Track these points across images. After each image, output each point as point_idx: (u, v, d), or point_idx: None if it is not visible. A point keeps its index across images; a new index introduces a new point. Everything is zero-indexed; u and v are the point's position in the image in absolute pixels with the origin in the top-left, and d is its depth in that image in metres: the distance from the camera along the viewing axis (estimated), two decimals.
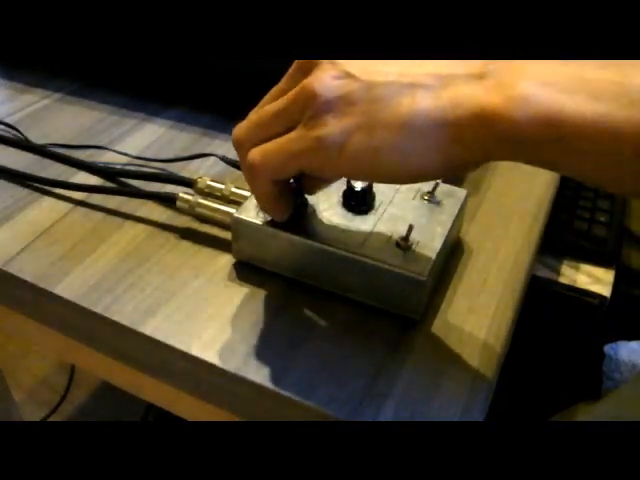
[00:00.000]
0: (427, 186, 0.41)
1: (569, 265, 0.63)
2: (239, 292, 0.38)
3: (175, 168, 0.49)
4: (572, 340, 0.62)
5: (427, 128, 0.29)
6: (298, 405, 0.32)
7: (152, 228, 0.43)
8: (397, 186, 0.41)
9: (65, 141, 0.51)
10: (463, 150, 0.29)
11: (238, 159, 0.35)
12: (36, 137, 0.51)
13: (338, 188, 0.39)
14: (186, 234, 0.43)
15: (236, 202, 0.42)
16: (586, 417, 0.48)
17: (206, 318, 0.37)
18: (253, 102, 0.35)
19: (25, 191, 0.46)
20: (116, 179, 0.47)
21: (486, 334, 0.36)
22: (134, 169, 0.48)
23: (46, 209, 0.44)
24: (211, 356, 0.34)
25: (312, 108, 0.30)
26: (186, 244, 0.42)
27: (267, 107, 0.33)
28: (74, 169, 0.48)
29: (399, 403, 0.32)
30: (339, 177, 0.35)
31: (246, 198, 0.40)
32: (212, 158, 0.49)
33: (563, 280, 0.61)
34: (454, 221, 0.39)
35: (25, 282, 0.39)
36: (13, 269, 0.39)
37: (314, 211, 0.39)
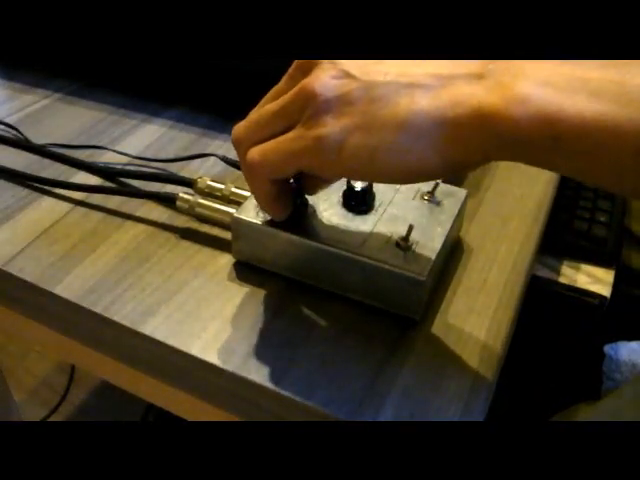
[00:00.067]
0: (427, 186, 0.41)
1: (569, 265, 0.63)
2: (239, 292, 0.38)
3: (175, 168, 0.49)
4: (572, 340, 0.62)
5: (426, 127, 0.29)
6: (298, 405, 0.32)
7: (152, 228, 0.43)
8: (397, 186, 0.41)
9: (65, 141, 0.51)
10: (462, 150, 0.29)
11: (238, 159, 0.35)
12: (36, 137, 0.51)
13: (338, 188, 0.39)
14: (186, 234, 0.43)
15: (236, 202, 0.42)
16: (586, 417, 0.48)
17: (206, 318, 0.37)
18: (253, 102, 0.35)
19: (25, 191, 0.46)
20: (116, 179, 0.47)
21: (486, 334, 0.36)
22: (134, 169, 0.48)
23: (46, 209, 0.44)
24: (211, 356, 0.34)
25: (311, 108, 0.31)
26: (186, 244, 0.42)
27: (267, 106, 0.33)
28: (74, 169, 0.48)
29: (399, 403, 0.32)
30: (338, 177, 0.35)
31: (246, 198, 0.40)
32: (212, 158, 0.49)
33: (563, 280, 0.61)
34: (454, 221, 0.39)
35: (25, 282, 0.39)
36: (13, 269, 0.39)
37: (314, 211, 0.39)
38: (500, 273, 0.40)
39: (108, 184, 0.47)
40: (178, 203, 0.43)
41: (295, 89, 0.32)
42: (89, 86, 0.59)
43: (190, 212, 0.43)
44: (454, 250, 0.42)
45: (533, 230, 0.44)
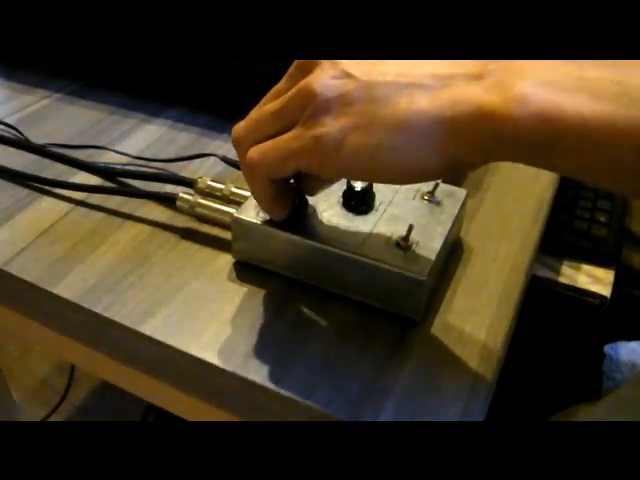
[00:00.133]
0: (427, 186, 0.41)
1: (569, 265, 0.63)
2: (239, 292, 0.38)
3: (175, 168, 0.49)
4: (572, 340, 0.62)
5: (425, 127, 0.29)
6: (298, 405, 0.32)
7: (152, 228, 0.43)
8: (397, 186, 0.41)
9: (65, 141, 0.51)
10: (461, 150, 0.29)
11: (238, 159, 0.35)
12: (36, 137, 0.51)
13: (338, 188, 0.39)
14: (186, 234, 0.43)
15: (236, 202, 0.42)
16: (586, 417, 0.48)
17: (206, 318, 0.37)
18: (253, 102, 0.35)
19: (25, 191, 0.46)
20: (116, 179, 0.47)
21: (486, 334, 0.36)
22: (134, 169, 0.48)
23: (46, 209, 0.44)
24: (211, 356, 0.34)
25: (310, 107, 0.31)
26: (186, 244, 0.42)
27: (266, 106, 0.33)
28: (74, 169, 0.48)
29: (399, 403, 0.32)
30: (338, 177, 0.35)
31: (246, 198, 0.40)
32: (212, 158, 0.49)
33: (563, 280, 0.61)
34: (454, 221, 0.39)
35: (25, 282, 0.39)
36: (13, 269, 0.39)
37: (314, 211, 0.39)
38: (500, 273, 0.40)
39: (108, 184, 0.47)
40: (178, 203, 0.43)
41: (295, 89, 0.32)
42: (89, 86, 0.59)
43: (190, 212, 0.43)
44: (454, 250, 0.42)
45: (533, 230, 0.44)
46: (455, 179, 0.45)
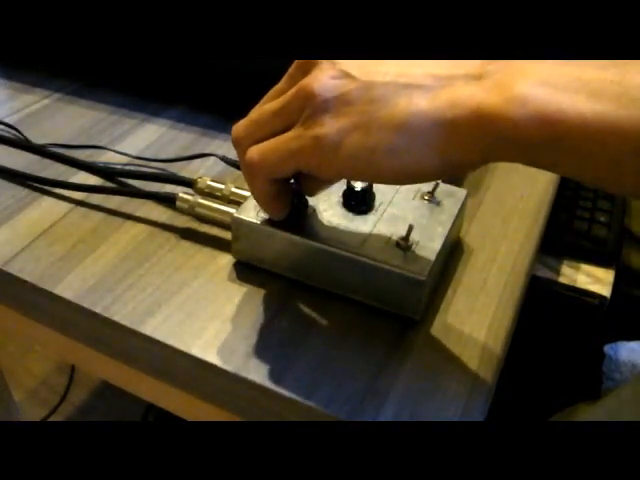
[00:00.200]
0: (427, 186, 0.41)
1: (569, 265, 0.63)
2: (239, 292, 0.38)
3: (175, 168, 0.49)
4: (572, 340, 0.62)
5: (424, 128, 0.28)
6: (298, 405, 0.32)
7: (152, 228, 0.43)
8: (397, 186, 0.41)
9: (65, 141, 0.51)
10: (460, 150, 0.29)
11: (238, 159, 0.35)
12: (36, 137, 0.51)
13: (338, 188, 0.39)
14: (186, 234, 0.43)
15: (236, 202, 0.42)
16: (586, 417, 0.48)
17: (206, 318, 0.37)
18: (253, 102, 0.35)
19: (25, 191, 0.46)
20: (116, 179, 0.47)
21: (486, 334, 0.36)
22: (134, 169, 0.48)
23: (46, 209, 0.44)
24: (211, 356, 0.34)
25: (310, 107, 0.31)
26: (186, 244, 0.42)
27: (266, 106, 0.33)
28: (74, 169, 0.48)
29: (399, 403, 0.32)
30: (337, 177, 0.35)
31: (246, 198, 0.40)
32: (212, 158, 0.49)
33: (563, 280, 0.61)
34: (454, 221, 0.39)
35: (25, 282, 0.39)
36: (13, 269, 0.39)
37: (314, 211, 0.39)
38: (500, 273, 0.40)
39: (108, 184, 0.47)
40: (178, 203, 0.43)
41: (294, 89, 0.32)
42: (89, 86, 0.59)
43: (190, 212, 0.43)
44: (454, 250, 0.42)
45: (533, 230, 0.44)
46: (455, 179, 0.45)
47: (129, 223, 0.43)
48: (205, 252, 0.41)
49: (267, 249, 0.38)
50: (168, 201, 0.44)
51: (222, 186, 0.44)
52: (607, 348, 0.59)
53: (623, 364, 0.57)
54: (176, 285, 0.39)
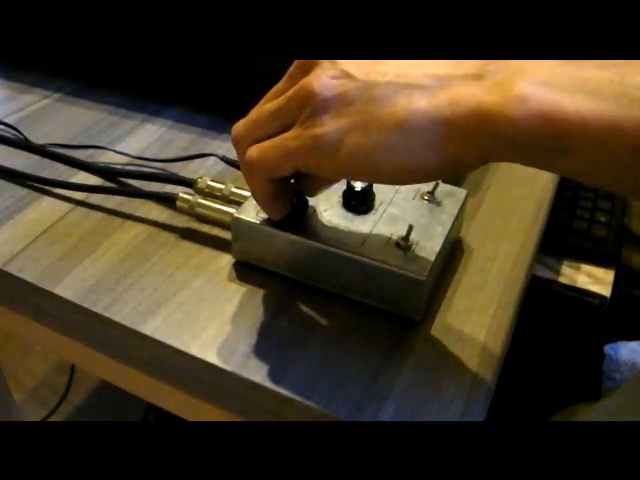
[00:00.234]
0: (427, 186, 0.41)
1: (569, 265, 0.63)
2: (239, 292, 0.38)
3: (175, 168, 0.49)
4: (572, 340, 0.62)
5: (423, 128, 0.28)
6: (298, 405, 0.32)
7: (152, 228, 0.43)
8: (397, 186, 0.41)
9: (65, 141, 0.51)
10: (460, 150, 0.29)
11: (237, 159, 0.35)
12: (36, 137, 0.51)
13: (338, 188, 0.39)
14: (186, 234, 0.43)
15: (236, 202, 0.42)
16: (586, 417, 0.48)
17: (206, 318, 0.37)
18: (253, 102, 0.35)
19: (25, 191, 0.46)
20: (116, 179, 0.47)
21: (486, 334, 0.36)
22: (134, 169, 0.48)
23: (46, 209, 0.44)
24: (211, 356, 0.34)
25: (310, 107, 0.31)
26: (186, 244, 0.42)
27: (266, 105, 0.33)
28: (74, 169, 0.48)
29: (399, 403, 0.32)
30: (336, 177, 0.35)
31: (246, 198, 0.40)
32: (212, 158, 0.49)
33: (563, 280, 0.61)
34: (454, 221, 0.39)
35: (25, 282, 0.39)
36: (13, 269, 0.39)
37: (314, 211, 0.39)
38: (500, 273, 0.40)
39: (108, 184, 0.47)
40: (178, 203, 0.43)
41: (294, 88, 0.32)
42: (89, 86, 0.59)
43: (190, 212, 0.43)
44: (454, 250, 0.42)
45: (533, 230, 0.44)
46: (455, 179, 0.45)
47: (129, 223, 0.43)
48: (205, 252, 0.41)
49: (267, 249, 0.38)
50: (168, 201, 0.44)
51: (222, 186, 0.44)
52: (607, 348, 0.59)
53: (623, 364, 0.57)
54: (176, 285, 0.39)
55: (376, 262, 0.35)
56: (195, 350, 0.35)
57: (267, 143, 0.33)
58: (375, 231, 0.37)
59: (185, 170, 0.49)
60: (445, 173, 0.30)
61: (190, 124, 0.54)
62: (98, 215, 0.44)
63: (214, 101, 0.57)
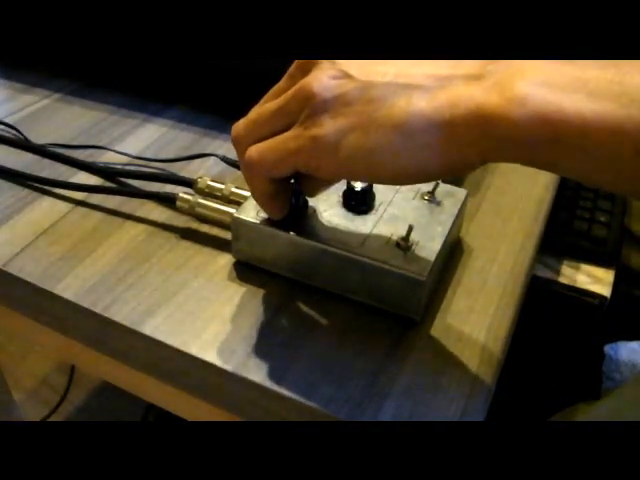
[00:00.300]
0: (427, 186, 0.41)
1: (569, 265, 0.63)
2: (239, 292, 0.38)
3: (175, 168, 0.49)
4: (572, 340, 0.62)
5: (422, 128, 0.28)
6: (298, 405, 0.32)
7: (152, 228, 0.43)
8: (397, 186, 0.41)
9: (65, 141, 0.51)
10: (459, 151, 0.29)
11: (237, 159, 0.35)
12: (36, 137, 0.51)
13: (338, 188, 0.39)
14: (186, 234, 0.43)
15: (236, 202, 0.42)
16: (586, 417, 0.48)
17: (206, 318, 0.37)
18: (253, 102, 0.35)
19: (25, 191, 0.46)
20: (116, 179, 0.47)
21: (486, 334, 0.36)
22: (134, 169, 0.48)
23: (46, 209, 0.44)
24: (211, 356, 0.34)
25: (309, 107, 0.31)
26: (186, 244, 0.42)
27: (266, 105, 0.33)
28: (74, 169, 0.48)
29: (399, 403, 0.32)
30: (336, 177, 0.35)
31: (246, 198, 0.40)
32: (212, 158, 0.49)
33: (563, 280, 0.61)
34: (454, 221, 0.39)
35: (25, 282, 0.39)
36: (13, 269, 0.39)
37: (314, 211, 0.39)
38: (500, 273, 0.40)
39: (108, 184, 0.47)
40: (178, 203, 0.43)
41: (294, 89, 0.32)
42: (89, 86, 0.59)
43: (190, 212, 0.43)
44: (454, 250, 0.42)
45: (533, 230, 0.44)
46: (455, 179, 0.45)
47: (129, 223, 0.43)
48: (205, 252, 0.41)
49: (267, 249, 0.38)
50: (168, 201, 0.44)
51: (222, 186, 0.44)
52: (607, 348, 0.59)
53: (623, 364, 0.57)
54: (176, 285, 0.39)
55: (376, 262, 0.35)
56: (195, 350, 0.35)
57: (267, 143, 0.33)
58: (375, 231, 0.37)
59: (185, 170, 0.49)
60: (445, 174, 0.30)
61: (190, 124, 0.54)
62: (98, 215, 0.44)
63: (214, 101, 0.57)
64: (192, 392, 0.37)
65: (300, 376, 0.33)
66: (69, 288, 0.38)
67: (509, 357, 0.37)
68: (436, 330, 0.36)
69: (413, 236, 0.36)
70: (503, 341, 0.36)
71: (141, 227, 0.43)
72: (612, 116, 0.25)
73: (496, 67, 0.28)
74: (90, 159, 0.49)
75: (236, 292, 0.38)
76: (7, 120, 0.53)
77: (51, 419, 1.18)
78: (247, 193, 0.42)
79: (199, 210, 0.42)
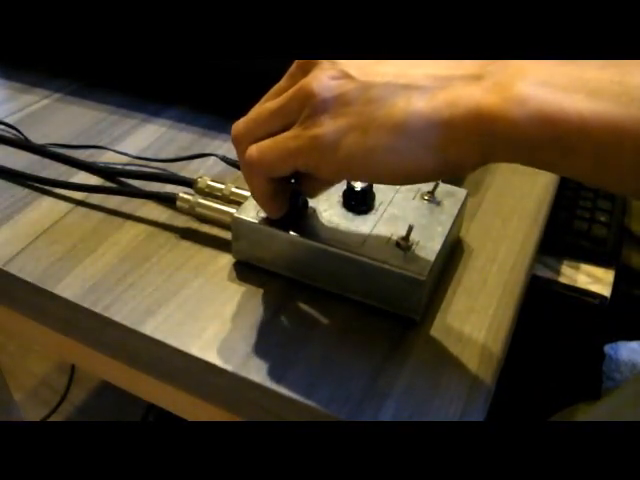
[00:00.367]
0: (427, 186, 0.41)
1: (569, 265, 0.63)
2: (239, 292, 0.38)
3: (175, 168, 0.49)
4: (572, 340, 0.62)
5: (421, 129, 0.28)
6: (298, 405, 0.32)
7: (152, 228, 0.43)
8: (397, 186, 0.41)
9: (65, 141, 0.51)
10: (459, 151, 0.29)
11: (237, 158, 0.35)
12: (36, 137, 0.51)
13: (338, 188, 0.39)
14: (186, 234, 0.43)
15: (236, 202, 0.42)
16: (586, 417, 0.48)
17: (206, 318, 0.37)
18: (253, 102, 0.35)
19: (25, 191, 0.46)
20: (116, 179, 0.47)
21: (486, 334, 0.36)
22: (134, 169, 0.48)
23: (46, 209, 0.44)
24: (211, 356, 0.34)
25: (309, 107, 0.31)
26: (186, 244, 0.42)
27: (266, 105, 0.33)
28: (74, 169, 0.48)
29: (399, 403, 0.32)
30: (335, 177, 0.35)
31: (246, 198, 0.40)
32: (212, 158, 0.49)
33: (563, 280, 0.61)
34: (454, 221, 0.39)
35: (25, 282, 0.39)
36: (13, 269, 0.39)
37: (314, 211, 0.39)
38: (500, 273, 0.40)
39: (108, 184, 0.47)
40: (178, 203, 0.43)
41: (294, 88, 0.32)
42: (89, 86, 0.59)
43: (190, 212, 0.43)
44: (454, 250, 0.42)
45: (533, 230, 0.44)
46: (455, 179, 0.45)
47: (129, 223, 0.43)
48: (205, 252, 0.41)
49: (267, 249, 0.38)
50: (168, 201, 0.44)
51: (222, 186, 0.44)
52: (607, 348, 0.59)
53: (623, 364, 0.57)
54: (176, 285, 0.39)
55: (376, 262, 0.35)
56: (195, 350, 0.35)
57: (267, 142, 0.33)
58: (375, 231, 0.37)
59: (185, 170, 0.49)
60: (444, 174, 0.30)
61: (190, 124, 0.54)
62: (98, 215, 0.44)
63: (214, 101, 0.57)
64: (192, 392, 0.37)
65: (300, 376, 0.33)
66: (69, 288, 0.38)
67: (509, 357, 0.37)
68: (436, 330, 0.36)
69: (413, 236, 0.36)
70: (503, 341, 0.36)
71: (141, 227, 0.43)
72: (612, 116, 0.25)
73: (496, 67, 0.28)
74: (90, 159, 0.49)
75: (236, 292, 0.38)
76: (7, 120, 0.53)
77: (51, 419, 1.18)
78: (247, 193, 0.42)
79: (199, 210, 0.42)
